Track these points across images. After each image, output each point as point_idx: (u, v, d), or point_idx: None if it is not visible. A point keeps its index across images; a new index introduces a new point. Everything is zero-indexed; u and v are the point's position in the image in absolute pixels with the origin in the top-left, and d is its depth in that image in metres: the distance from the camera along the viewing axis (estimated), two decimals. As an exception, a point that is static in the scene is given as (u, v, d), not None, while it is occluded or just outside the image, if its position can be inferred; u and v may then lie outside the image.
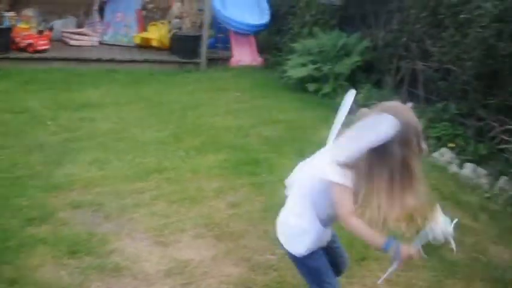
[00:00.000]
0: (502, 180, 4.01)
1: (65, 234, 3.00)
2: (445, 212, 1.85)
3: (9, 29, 7.14)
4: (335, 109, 6.24)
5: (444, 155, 4.57)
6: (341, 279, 2.74)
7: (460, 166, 4.42)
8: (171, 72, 7.26)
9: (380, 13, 6.41)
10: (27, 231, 2.99)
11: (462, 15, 4.68)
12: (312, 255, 1.99)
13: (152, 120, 5.13)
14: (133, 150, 4.30)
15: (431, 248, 3.08)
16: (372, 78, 6.34)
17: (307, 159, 2.04)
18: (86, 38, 8.24)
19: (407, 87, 5.93)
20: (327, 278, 2.04)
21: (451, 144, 4.65)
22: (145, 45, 8.23)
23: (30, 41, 7.20)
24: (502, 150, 4.49)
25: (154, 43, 8.17)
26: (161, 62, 7.59)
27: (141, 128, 4.88)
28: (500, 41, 4.23)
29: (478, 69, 4.57)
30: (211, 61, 7.83)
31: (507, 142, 4.45)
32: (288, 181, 2.10)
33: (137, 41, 8.32)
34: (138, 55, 7.74)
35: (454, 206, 3.76)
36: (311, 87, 6.38)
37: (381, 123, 1.67)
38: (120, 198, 3.48)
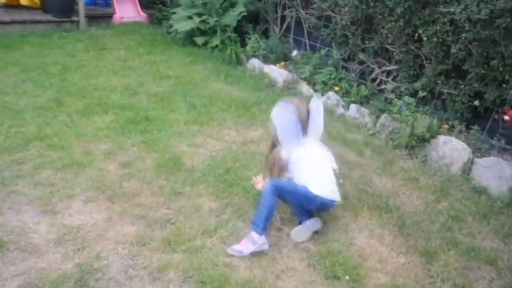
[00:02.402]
0: (383, 118, 4.33)
1: None
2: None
3: None
4: (225, 61, 6.20)
5: (331, 98, 4.81)
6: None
7: (346, 108, 4.68)
8: (46, 33, 6.63)
9: (260, -37, 6.40)
10: None
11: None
12: None
13: (28, 85, 4.68)
14: (8, 119, 3.91)
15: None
16: (258, 28, 6.38)
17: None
18: None
19: (293, 36, 6.07)
20: None
21: (336, 88, 4.89)
22: (13, 4, 7.38)
23: None
24: (381, 91, 4.84)
25: (23, 2, 7.36)
26: (33, 22, 6.87)
27: (15, 95, 4.44)
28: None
29: (354, 15, 4.81)
30: (92, 19, 7.29)
31: (386, 82, 4.80)
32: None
33: None
34: (5, 15, 6.92)
35: (341, 145, 4.01)
36: (199, 40, 6.25)
37: None
38: (-4, 171, 3.18)
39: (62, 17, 7.03)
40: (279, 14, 6.21)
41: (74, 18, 7.08)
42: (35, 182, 3.10)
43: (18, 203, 2.88)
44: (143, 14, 7.65)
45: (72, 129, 3.84)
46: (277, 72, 5.32)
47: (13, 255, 2.48)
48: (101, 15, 7.58)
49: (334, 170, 2.85)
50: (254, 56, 5.79)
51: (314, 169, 2.76)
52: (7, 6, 7.34)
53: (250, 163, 3.45)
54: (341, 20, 5.02)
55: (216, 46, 6.06)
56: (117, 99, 4.49)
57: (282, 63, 5.56)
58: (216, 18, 6.19)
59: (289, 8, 6.03)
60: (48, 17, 7.06)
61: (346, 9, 4.87)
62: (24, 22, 6.81)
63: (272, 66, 5.47)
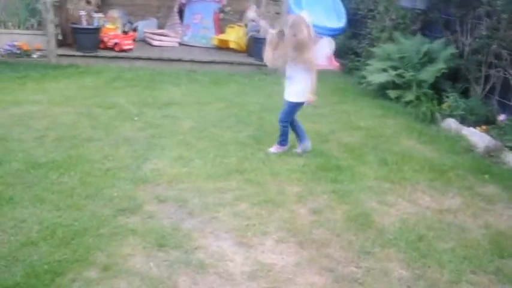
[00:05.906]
0: None
1: (153, 226, 3.09)
2: None
3: (98, 29, 7.54)
4: (418, 118, 5.98)
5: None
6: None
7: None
8: (248, 74, 7.32)
9: (466, 18, 6.07)
10: (118, 220, 3.13)
11: None
12: None
13: (231, 120, 5.19)
14: (215, 149, 4.37)
15: None
16: (457, 86, 6.02)
17: None
18: (167, 38, 8.54)
19: (497, 98, 5.58)
20: None
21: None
22: (222, 47, 8.38)
23: (117, 40, 7.58)
24: None
25: (232, 45, 8.30)
26: (239, 63, 7.69)
27: (221, 128, 4.95)
28: None
29: None
30: (288, 64, 7.81)
31: None
32: None
33: (215, 42, 8.50)
34: (216, 56, 7.90)
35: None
36: (392, 94, 6.16)
37: None
38: (203, 196, 3.53)
39: (263, 61, 7.67)
40: (483, 73, 5.78)
41: (273, 63, 7.67)
42: (234, 212, 3.35)
43: (218, 230, 3.14)
44: (336, 63, 7.89)
45: (268, 167, 4.09)
46: (478, 136, 4.90)
47: (212, 279, 2.68)
48: (297, 61, 8.07)
49: None
50: (451, 115, 5.46)
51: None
52: (218, 48, 8.36)
53: (446, 234, 3.20)
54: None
55: (410, 101, 5.89)
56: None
57: (483, 127, 5.12)
58: (412, 73, 6.05)
59: (495, 67, 5.58)
60: (251, 60, 7.81)
61: None
62: (231, 63, 7.66)
63: (471, 129, 5.07)
